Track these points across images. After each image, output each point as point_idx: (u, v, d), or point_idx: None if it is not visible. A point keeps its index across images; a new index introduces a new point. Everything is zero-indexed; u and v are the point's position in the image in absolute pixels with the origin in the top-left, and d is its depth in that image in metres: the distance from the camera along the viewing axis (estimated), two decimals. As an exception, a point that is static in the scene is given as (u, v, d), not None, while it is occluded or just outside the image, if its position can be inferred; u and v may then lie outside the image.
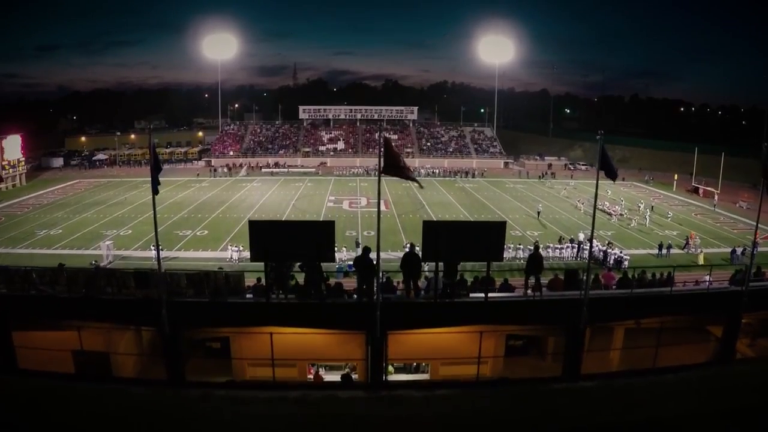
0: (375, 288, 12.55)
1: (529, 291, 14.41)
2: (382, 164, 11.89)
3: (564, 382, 13.73)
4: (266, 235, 12.29)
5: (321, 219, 47.05)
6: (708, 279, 28.05)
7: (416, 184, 12.85)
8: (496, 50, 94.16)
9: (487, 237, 12.62)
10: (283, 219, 46.72)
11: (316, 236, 12.41)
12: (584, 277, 14.53)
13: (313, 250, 12.19)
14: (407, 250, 34.98)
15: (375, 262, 13.28)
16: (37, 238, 40.96)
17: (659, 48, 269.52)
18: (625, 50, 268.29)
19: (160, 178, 12.70)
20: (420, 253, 14.15)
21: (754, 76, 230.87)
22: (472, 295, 13.72)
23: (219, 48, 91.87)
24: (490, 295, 13.43)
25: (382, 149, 11.86)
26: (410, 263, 13.31)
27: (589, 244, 36.10)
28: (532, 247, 35.47)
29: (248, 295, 13.40)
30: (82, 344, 15.34)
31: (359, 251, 35.30)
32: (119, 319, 13.54)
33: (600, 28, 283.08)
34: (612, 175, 13.67)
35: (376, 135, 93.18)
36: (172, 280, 12.98)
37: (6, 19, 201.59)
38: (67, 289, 13.24)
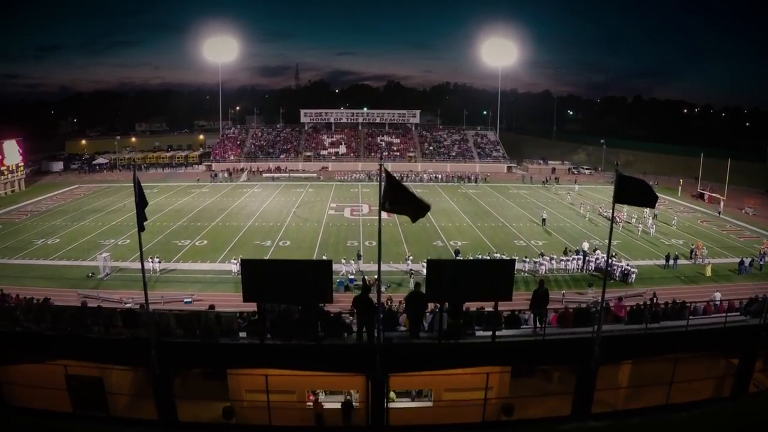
0: (376, 330, 11.86)
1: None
2: (382, 201, 11.22)
3: (574, 422, 13.10)
4: (259, 275, 11.61)
5: (322, 227, 46.44)
6: (717, 296, 27.66)
7: (411, 216, 11.99)
8: (498, 53, 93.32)
9: (495, 276, 11.94)
10: (284, 228, 46.14)
11: (313, 276, 11.73)
12: (594, 309, 13.85)
13: (309, 291, 11.53)
14: (409, 261, 34.85)
15: (376, 295, 12.65)
16: (34, 247, 40.41)
17: (660, 48, 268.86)
18: (626, 50, 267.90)
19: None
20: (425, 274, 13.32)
21: (755, 77, 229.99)
22: (478, 333, 13.01)
23: (219, 51, 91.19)
24: (497, 333, 12.72)
25: (383, 183, 11.15)
26: (415, 304, 12.59)
27: (596, 259, 35.59)
28: (537, 260, 35.36)
29: (242, 334, 12.71)
30: (75, 370, 14.77)
31: (360, 263, 34.90)
32: (107, 358, 12.90)
33: (601, 28, 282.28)
34: (647, 202, 12.85)
35: (378, 139, 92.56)
36: (161, 320, 12.35)
37: (8, 20, 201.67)
38: (53, 326, 12.61)
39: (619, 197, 12.18)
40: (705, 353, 14.27)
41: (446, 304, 12.42)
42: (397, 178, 12.07)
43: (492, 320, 12.76)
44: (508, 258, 11.38)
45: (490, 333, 12.71)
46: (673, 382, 13.93)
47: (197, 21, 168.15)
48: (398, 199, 11.23)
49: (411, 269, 33.10)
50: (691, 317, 16.61)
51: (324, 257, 35.02)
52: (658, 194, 50.94)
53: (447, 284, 11.53)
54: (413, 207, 11.51)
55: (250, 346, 12.26)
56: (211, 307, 12.91)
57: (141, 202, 11.56)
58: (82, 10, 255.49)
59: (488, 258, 35.30)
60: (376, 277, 30.73)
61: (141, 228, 11.73)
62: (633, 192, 12.40)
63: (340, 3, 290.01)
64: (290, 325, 12.07)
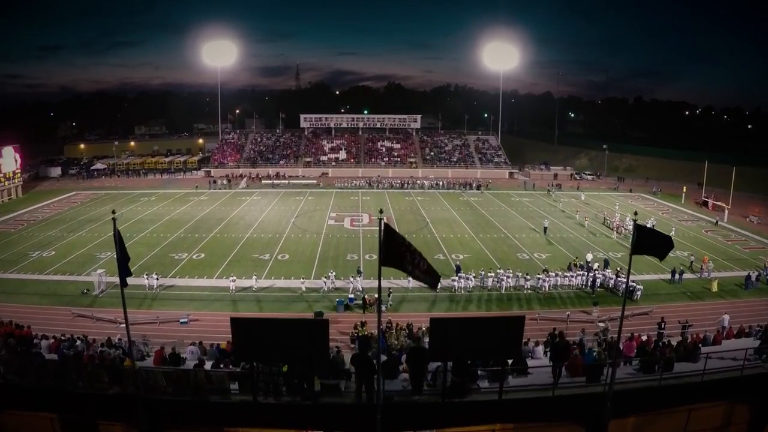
0: (376, 386, 11.16)
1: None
2: (382, 256, 10.56)
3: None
4: (251, 335, 10.89)
5: (321, 239, 45.63)
6: (726, 319, 27.01)
7: (422, 278, 11.28)
8: (499, 56, 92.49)
9: (502, 333, 11.19)
10: (282, 239, 45.40)
11: (308, 335, 11.01)
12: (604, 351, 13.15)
13: (305, 350, 10.83)
14: (410, 278, 34.06)
15: (377, 341, 11.97)
16: (29, 261, 39.70)
17: (660, 48, 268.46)
18: (626, 50, 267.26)
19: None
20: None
21: (756, 77, 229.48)
22: (483, 387, 12.28)
23: (219, 55, 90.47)
24: (504, 386, 11.99)
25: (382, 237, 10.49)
26: (417, 361, 11.87)
27: (602, 275, 34.77)
28: (540, 276, 34.59)
29: (233, 386, 11.99)
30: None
31: (361, 279, 34.07)
32: (94, 414, 12.21)
33: (601, 28, 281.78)
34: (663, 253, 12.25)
35: (379, 144, 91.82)
36: (148, 376, 11.67)
37: (9, 20, 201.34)
38: (37, 380, 11.92)
39: (637, 248, 11.58)
40: (722, 401, 13.59)
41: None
42: (397, 231, 11.41)
43: (498, 376, 12.00)
44: (518, 315, 10.61)
45: (495, 387, 11.97)
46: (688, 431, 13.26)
47: (198, 21, 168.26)
48: (397, 254, 10.57)
49: (390, 288, 32.43)
50: (703, 353, 15.98)
51: (331, 274, 34.30)
52: (661, 201, 50.69)
53: (451, 343, 10.83)
54: (415, 267, 10.81)
55: (242, 405, 11.56)
56: (201, 363, 12.25)
57: (123, 256, 10.88)
58: (83, 10, 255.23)
59: (494, 272, 34.64)
60: (376, 296, 30.17)
61: (123, 284, 11.04)
62: (650, 243, 11.80)
63: (341, 3, 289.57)
64: (284, 384, 11.36)
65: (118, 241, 10.88)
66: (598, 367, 12.96)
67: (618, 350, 13.17)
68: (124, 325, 26.75)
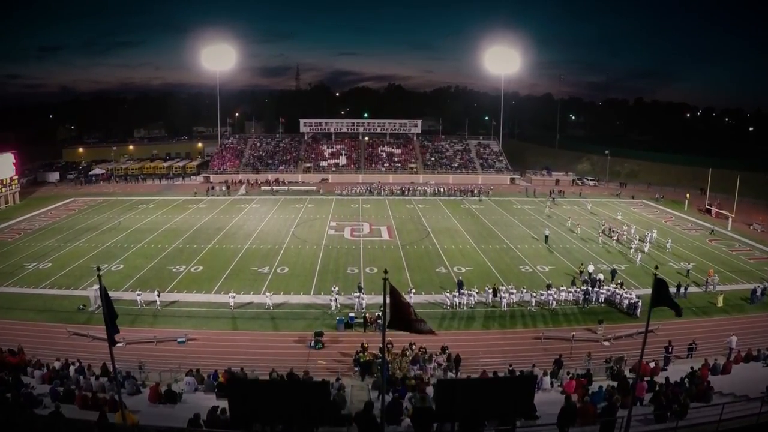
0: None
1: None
2: (388, 317, 10.05)
3: None
4: (248, 398, 10.33)
5: (321, 250, 45.02)
6: (734, 341, 26.55)
7: (426, 330, 10.81)
8: (500, 60, 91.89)
9: (511, 394, 10.65)
10: (282, 250, 44.82)
11: (308, 398, 10.46)
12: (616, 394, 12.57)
13: (305, 413, 10.28)
14: (411, 293, 33.52)
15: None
16: (25, 273, 39.11)
17: (659, 48, 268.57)
18: (626, 50, 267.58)
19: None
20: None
21: (756, 77, 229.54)
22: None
23: (218, 58, 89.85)
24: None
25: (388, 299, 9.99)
26: (422, 422, 11.35)
27: (607, 290, 34.19)
28: (543, 293, 34.02)
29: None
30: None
31: (362, 296, 33.40)
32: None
33: (602, 28, 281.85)
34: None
35: (379, 149, 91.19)
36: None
37: (9, 20, 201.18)
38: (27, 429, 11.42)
39: (657, 300, 11.13)
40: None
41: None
42: (396, 289, 10.93)
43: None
44: (528, 375, 10.05)
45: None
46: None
47: (198, 21, 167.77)
48: (401, 314, 10.10)
49: (380, 307, 31.74)
50: (716, 392, 15.47)
51: (336, 291, 33.47)
52: (663, 208, 50.10)
53: (458, 404, 10.28)
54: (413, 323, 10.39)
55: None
56: (196, 417, 11.73)
57: (110, 314, 10.34)
58: (83, 10, 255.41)
59: (496, 287, 34.08)
60: (377, 314, 29.60)
61: (112, 342, 10.49)
62: (669, 295, 11.39)
63: (341, 3, 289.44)
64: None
65: (105, 298, 10.34)
66: (611, 421, 12.39)
67: (633, 396, 12.64)
68: (122, 345, 26.28)
